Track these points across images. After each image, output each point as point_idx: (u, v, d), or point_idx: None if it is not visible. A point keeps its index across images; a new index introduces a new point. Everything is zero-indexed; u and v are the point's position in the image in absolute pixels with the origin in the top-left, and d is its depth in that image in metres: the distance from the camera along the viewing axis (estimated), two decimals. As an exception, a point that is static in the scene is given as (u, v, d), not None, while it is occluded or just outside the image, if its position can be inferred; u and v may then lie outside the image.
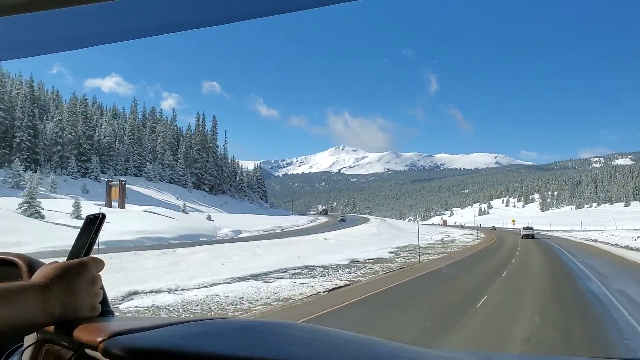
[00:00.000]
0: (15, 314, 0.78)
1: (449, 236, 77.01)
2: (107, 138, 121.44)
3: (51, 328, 0.92)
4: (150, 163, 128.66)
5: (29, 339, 1.06)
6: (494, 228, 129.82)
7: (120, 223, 46.20)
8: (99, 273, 0.94)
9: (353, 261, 30.59)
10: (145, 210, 66.22)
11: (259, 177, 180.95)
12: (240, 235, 60.22)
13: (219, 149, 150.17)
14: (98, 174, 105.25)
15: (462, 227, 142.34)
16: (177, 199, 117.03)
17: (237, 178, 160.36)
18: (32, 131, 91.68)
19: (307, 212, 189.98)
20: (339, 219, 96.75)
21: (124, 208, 66.77)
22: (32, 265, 1.17)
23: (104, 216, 1.01)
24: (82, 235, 1.01)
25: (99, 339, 0.78)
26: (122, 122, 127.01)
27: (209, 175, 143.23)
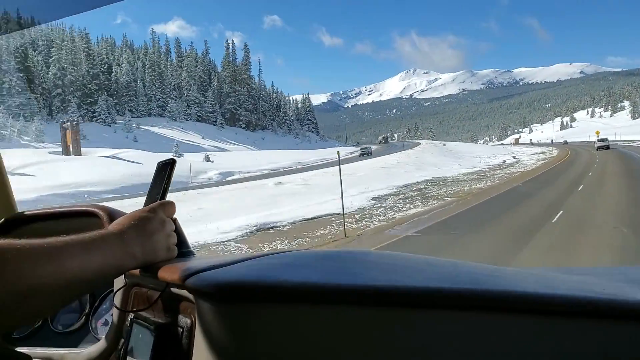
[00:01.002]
0: (101, 260, 0.83)
1: (514, 157, 64.59)
2: (125, 77, 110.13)
3: (137, 272, 0.98)
4: (175, 101, 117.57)
5: (118, 283, 1.13)
6: (565, 142, 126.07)
7: (56, 174, 37.70)
8: (171, 216, 0.99)
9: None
10: (106, 156, 53.96)
11: (309, 109, 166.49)
12: (229, 178, 49.48)
13: (253, 80, 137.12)
14: (107, 117, 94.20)
15: (532, 144, 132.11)
16: (202, 138, 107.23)
17: (281, 111, 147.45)
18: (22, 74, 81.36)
19: (364, 143, 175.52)
20: (360, 152, 76.65)
21: (80, 154, 54.49)
22: (112, 215, 1.27)
23: (174, 161, 1.05)
24: (156, 182, 1.05)
25: (184, 276, 0.81)
26: (147, 60, 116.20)
27: (243, 110, 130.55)
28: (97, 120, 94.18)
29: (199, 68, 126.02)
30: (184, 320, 0.88)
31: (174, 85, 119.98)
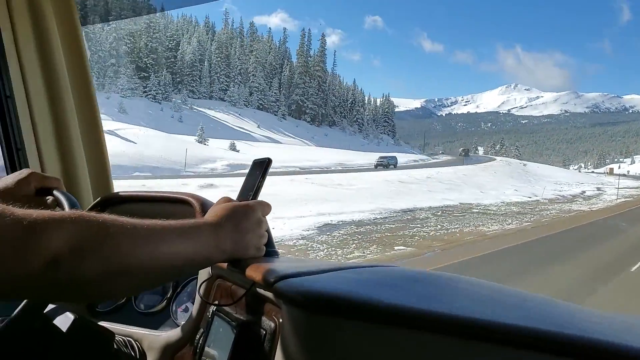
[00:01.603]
0: (192, 249, 0.83)
1: (598, 189, 56.69)
2: (190, 56, 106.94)
3: (224, 265, 0.98)
4: (238, 86, 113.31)
5: (203, 274, 1.16)
6: None
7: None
8: (265, 216, 0.98)
9: None
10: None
11: (387, 111, 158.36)
12: (237, 171, 43.91)
13: (327, 73, 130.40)
14: (157, 94, 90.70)
15: (626, 176, 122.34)
16: (258, 127, 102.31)
17: (354, 109, 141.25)
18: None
19: (439, 152, 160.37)
20: (375, 163, 63.86)
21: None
22: (204, 204, 1.30)
23: (270, 161, 1.03)
24: (250, 178, 1.05)
25: (272, 279, 0.81)
26: (215, 40, 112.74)
27: (310, 103, 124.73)
28: (147, 95, 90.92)
29: (271, 55, 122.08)
30: (267, 323, 0.88)
31: (240, 69, 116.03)
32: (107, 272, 0.71)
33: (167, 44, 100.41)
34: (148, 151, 44.90)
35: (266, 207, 0.98)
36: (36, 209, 0.70)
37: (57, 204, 1.08)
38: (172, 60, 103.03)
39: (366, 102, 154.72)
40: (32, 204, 0.75)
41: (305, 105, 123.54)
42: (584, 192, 51.03)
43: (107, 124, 52.81)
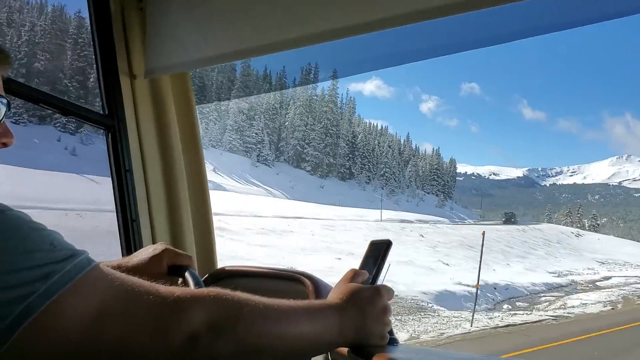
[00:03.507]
0: (317, 332, 0.83)
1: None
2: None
3: (343, 351, 0.94)
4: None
5: (319, 357, 1.11)
6: None
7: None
8: (389, 302, 0.95)
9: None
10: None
11: (436, 169, 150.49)
12: None
13: (341, 115, 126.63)
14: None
15: None
16: (213, 170, 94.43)
17: (379, 161, 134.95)
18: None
19: (489, 218, 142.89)
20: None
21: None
22: (317, 285, 1.28)
23: (390, 243, 1.00)
24: (368, 260, 1.01)
25: None
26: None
27: (311, 149, 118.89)
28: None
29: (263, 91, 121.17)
30: None
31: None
32: (240, 351, 0.73)
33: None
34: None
35: (391, 293, 0.95)
36: (167, 284, 0.76)
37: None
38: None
39: (419, 158, 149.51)
40: (163, 281, 0.79)
41: (305, 151, 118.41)
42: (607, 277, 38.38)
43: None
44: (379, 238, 1.04)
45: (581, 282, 36.12)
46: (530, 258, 45.14)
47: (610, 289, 31.52)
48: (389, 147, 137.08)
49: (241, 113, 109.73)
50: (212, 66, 1.84)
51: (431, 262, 33.83)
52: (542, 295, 29.11)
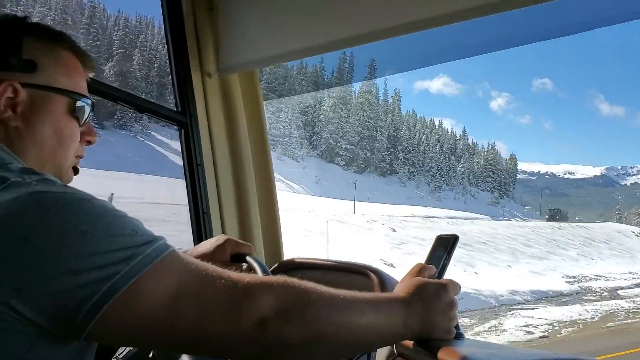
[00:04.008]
0: (383, 323, 0.84)
1: None
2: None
3: (409, 344, 0.96)
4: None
5: (384, 351, 1.12)
6: None
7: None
8: (455, 297, 0.95)
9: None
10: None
11: (492, 164, 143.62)
12: None
13: (379, 105, 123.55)
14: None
15: None
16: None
17: (426, 155, 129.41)
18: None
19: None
20: None
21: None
22: (383, 279, 1.29)
23: (457, 238, 1.01)
24: (434, 255, 1.03)
25: None
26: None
27: (345, 143, 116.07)
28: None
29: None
30: None
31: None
32: (307, 337, 0.76)
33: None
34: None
35: (458, 288, 0.96)
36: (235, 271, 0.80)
37: (250, 269, 1.16)
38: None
39: (476, 153, 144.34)
40: (227, 268, 0.81)
41: (338, 144, 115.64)
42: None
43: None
44: (446, 233, 1.04)
45: (598, 289, 29.50)
46: (552, 259, 39.79)
47: (617, 299, 24.09)
48: (438, 141, 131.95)
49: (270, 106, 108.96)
50: (281, 64, 1.92)
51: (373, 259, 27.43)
52: (513, 307, 23.03)
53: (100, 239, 0.69)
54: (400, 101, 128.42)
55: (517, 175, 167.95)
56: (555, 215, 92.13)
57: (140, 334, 0.72)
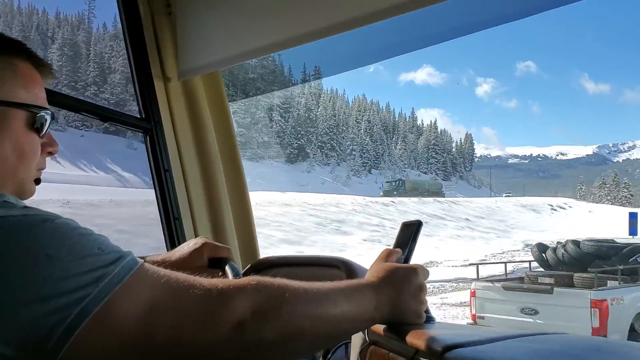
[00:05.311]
0: (356, 310, 0.86)
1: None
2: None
3: (380, 331, 0.97)
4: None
5: (357, 340, 1.13)
6: None
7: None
8: (425, 282, 0.96)
9: None
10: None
11: (434, 144, 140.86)
12: None
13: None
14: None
15: None
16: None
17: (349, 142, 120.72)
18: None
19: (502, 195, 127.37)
20: None
21: None
22: (351, 268, 1.33)
23: (420, 224, 1.04)
24: (400, 241, 1.05)
25: (440, 349, 0.77)
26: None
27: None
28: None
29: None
30: None
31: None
32: (285, 334, 0.76)
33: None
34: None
35: (426, 273, 0.97)
36: (209, 276, 0.80)
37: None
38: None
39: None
40: (205, 274, 0.82)
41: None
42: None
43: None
44: (410, 219, 1.06)
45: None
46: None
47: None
48: (369, 121, 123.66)
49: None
50: (240, 63, 1.90)
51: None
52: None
53: (67, 262, 0.67)
54: (321, 78, 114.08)
55: (475, 156, 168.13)
56: (397, 189, 74.83)
57: (118, 352, 0.70)
